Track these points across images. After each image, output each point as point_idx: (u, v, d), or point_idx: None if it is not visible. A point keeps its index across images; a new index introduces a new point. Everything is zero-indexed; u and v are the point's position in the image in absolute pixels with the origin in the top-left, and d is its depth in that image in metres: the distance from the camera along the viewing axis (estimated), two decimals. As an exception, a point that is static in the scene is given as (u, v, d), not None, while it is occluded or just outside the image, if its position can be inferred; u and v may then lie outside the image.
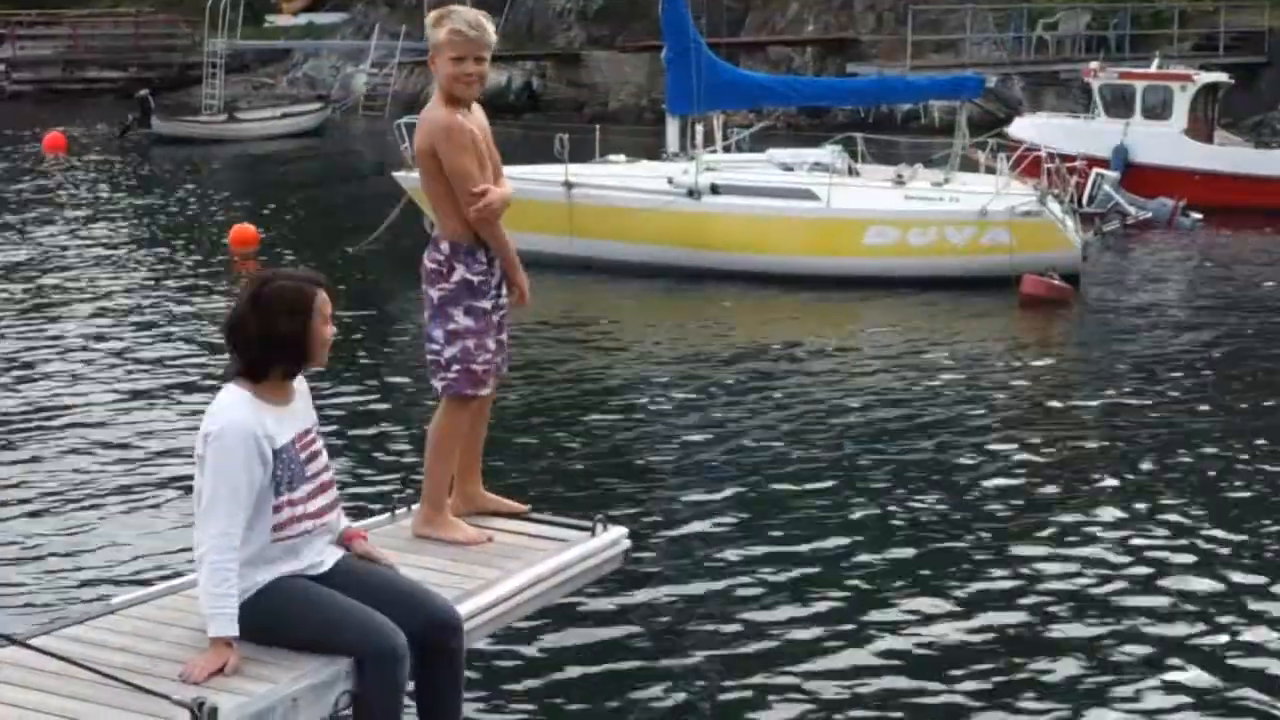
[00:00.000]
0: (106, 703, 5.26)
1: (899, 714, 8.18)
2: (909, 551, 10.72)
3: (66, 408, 14.13)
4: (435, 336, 6.93)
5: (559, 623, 8.97)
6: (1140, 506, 11.75)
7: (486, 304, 6.96)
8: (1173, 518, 11.49)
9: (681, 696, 8.37)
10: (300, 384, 5.94)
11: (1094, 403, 15.27)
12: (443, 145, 6.77)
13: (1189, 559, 10.62)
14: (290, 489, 5.70)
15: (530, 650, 8.76)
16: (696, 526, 11.25)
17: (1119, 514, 11.53)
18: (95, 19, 59.74)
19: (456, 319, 6.88)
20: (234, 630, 5.54)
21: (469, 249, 6.92)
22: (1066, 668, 8.78)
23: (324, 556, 5.84)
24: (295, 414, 5.82)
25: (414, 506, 7.16)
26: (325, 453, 5.96)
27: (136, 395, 14.65)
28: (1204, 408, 15.07)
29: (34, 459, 12.47)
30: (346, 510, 6.31)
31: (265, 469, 5.62)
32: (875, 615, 9.51)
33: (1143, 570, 10.38)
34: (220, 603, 5.53)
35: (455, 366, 6.90)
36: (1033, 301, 20.38)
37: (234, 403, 5.70)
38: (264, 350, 5.70)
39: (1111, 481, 12.44)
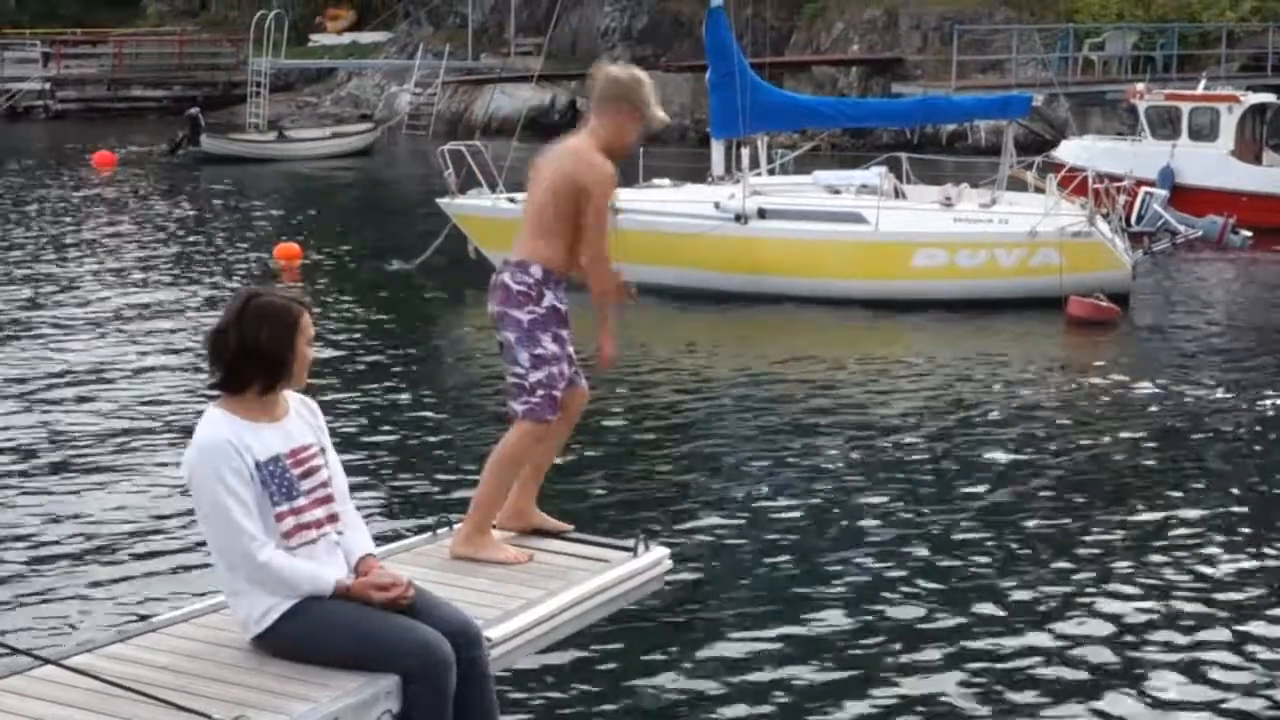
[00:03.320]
0: (145, 721, 5.23)
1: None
2: (959, 573, 10.63)
3: (112, 424, 14.17)
4: (521, 360, 7.13)
5: (600, 642, 8.91)
6: (1186, 531, 11.64)
7: (566, 332, 7.25)
8: (1217, 539, 11.38)
9: (722, 717, 8.31)
10: (303, 404, 5.94)
11: (1141, 427, 15.13)
12: (596, 190, 7.06)
13: (1239, 584, 10.51)
14: (289, 499, 5.70)
15: (570, 670, 8.71)
16: (743, 549, 11.18)
17: (1164, 539, 11.42)
18: (139, 38, 60.26)
19: (544, 344, 7.13)
20: (342, 571, 5.74)
21: (558, 279, 7.19)
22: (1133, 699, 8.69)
23: (334, 568, 5.78)
24: (287, 431, 5.81)
25: (455, 526, 7.12)
26: (330, 470, 5.91)
27: (178, 411, 14.66)
28: (1252, 432, 14.93)
29: (80, 473, 12.51)
30: (383, 527, 6.27)
31: (246, 478, 5.62)
32: (925, 641, 9.42)
33: (1192, 595, 10.27)
34: (312, 576, 5.66)
35: (540, 391, 7.09)
36: (1080, 323, 20.23)
37: (207, 420, 5.78)
38: (242, 361, 5.72)
39: (1156, 506, 12.33)
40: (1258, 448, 14.46)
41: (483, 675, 5.72)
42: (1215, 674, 8.98)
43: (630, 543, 6.93)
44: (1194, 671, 8.98)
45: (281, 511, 5.68)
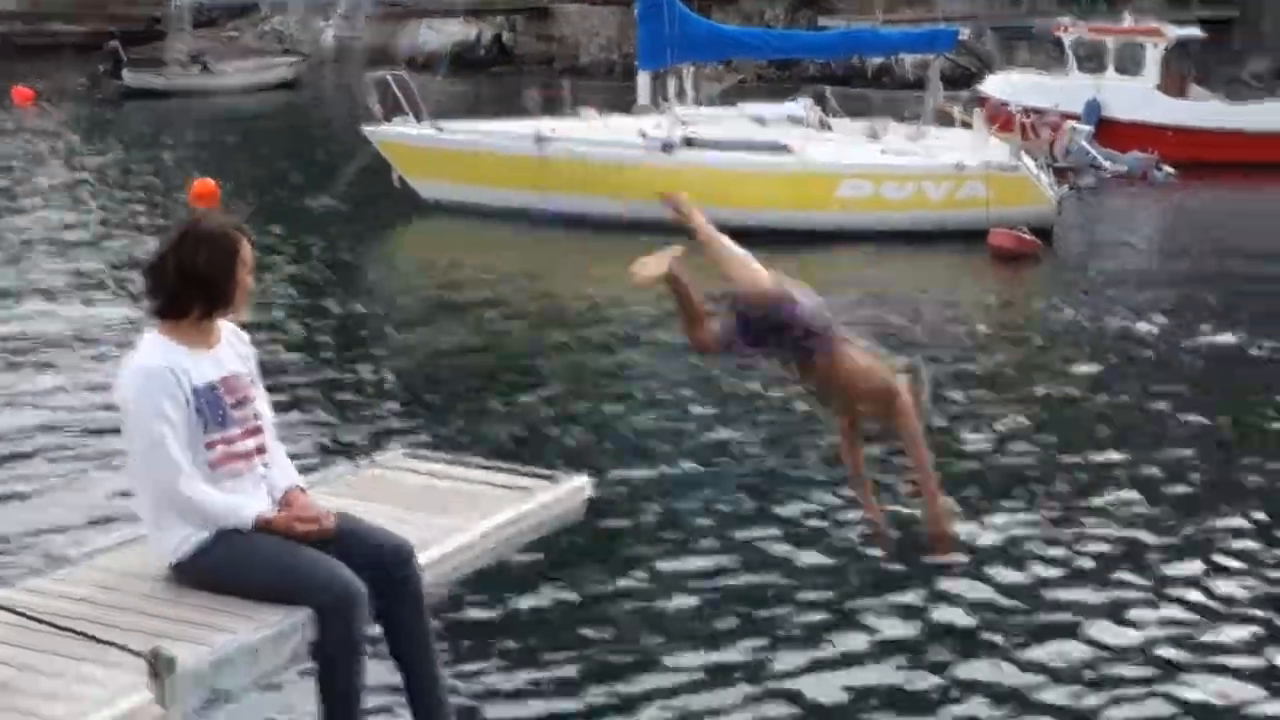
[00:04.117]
0: (64, 654, 5.19)
1: (860, 680, 8.15)
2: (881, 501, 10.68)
3: (21, 353, 14.05)
4: None
5: (522, 570, 8.95)
6: (1098, 467, 11.75)
7: None
8: (1126, 480, 11.51)
9: (643, 643, 8.37)
10: (235, 334, 5.90)
11: (1062, 357, 15.25)
12: None
13: (1154, 521, 10.65)
14: (220, 428, 5.66)
15: (491, 598, 8.74)
16: (667, 477, 11.23)
17: (1077, 475, 11.52)
18: (57, -29, 59.27)
19: None
20: (265, 504, 5.70)
21: None
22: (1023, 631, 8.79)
23: (258, 501, 5.75)
24: (220, 359, 5.77)
25: (377, 456, 7.10)
26: (260, 401, 5.87)
27: (88, 342, 14.53)
28: (1166, 359, 15.09)
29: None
30: (309, 460, 6.25)
31: (182, 404, 5.58)
32: (835, 566, 9.50)
33: (1098, 530, 10.39)
34: (234, 508, 5.63)
35: None
36: (1003, 256, 20.35)
37: (145, 345, 5.74)
38: (182, 286, 5.67)
39: (1069, 443, 12.42)
40: (1173, 373, 14.61)
41: (415, 594, 5.71)
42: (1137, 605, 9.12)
43: (551, 471, 6.93)
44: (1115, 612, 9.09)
45: (213, 440, 5.64)
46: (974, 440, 12.21)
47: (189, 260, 5.64)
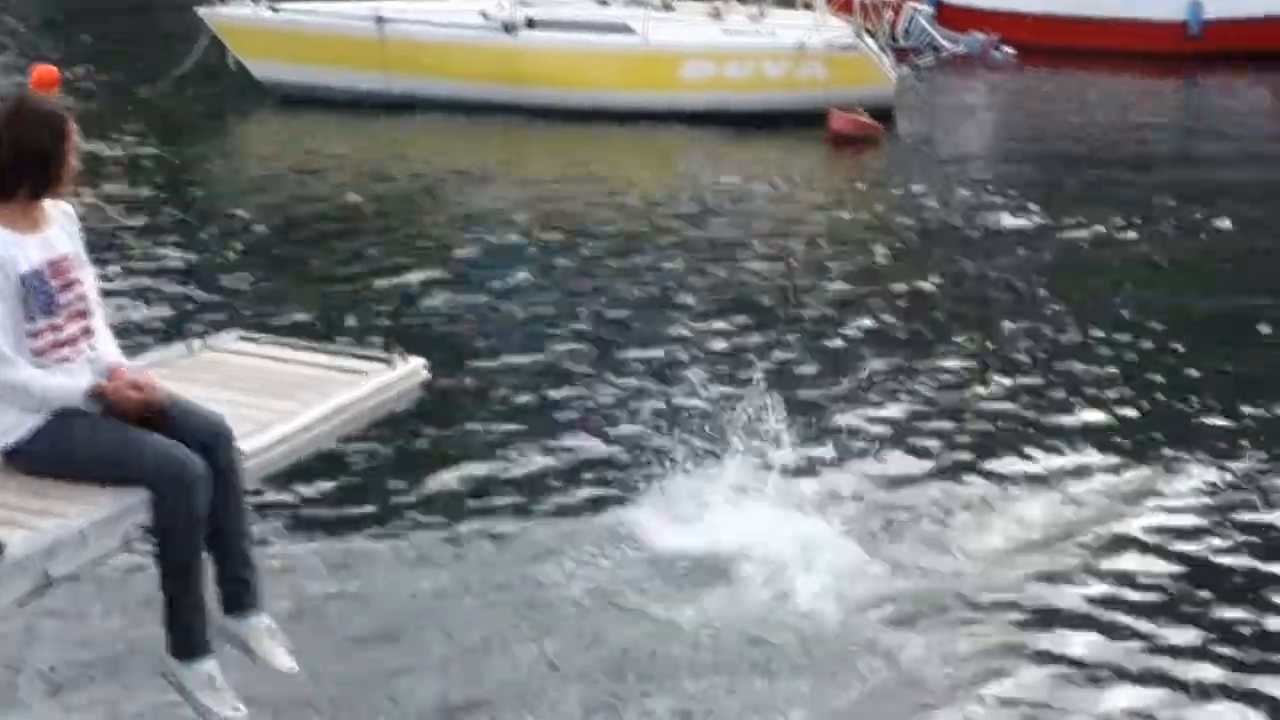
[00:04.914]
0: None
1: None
2: (721, 376, 10.86)
3: None
4: None
5: (359, 453, 9.00)
6: (934, 351, 11.99)
7: None
8: (964, 356, 11.74)
9: (477, 524, 8.52)
10: (62, 214, 5.81)
11: (901, 238, 15.45)
12: None
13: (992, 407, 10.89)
14: (47, 314, 5.59)
15: (329, 480, 8.79)
16: (502, 359, 11.30)
17: (916, 361, 11.75)
18: None
19: None
20: (88, 379, 5.57)
21: None
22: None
23: (84, 379, 5.69)
24: (48, 240, 5.68)
25: (211, 339, 7.04)
26: (88, 283, 5.80)
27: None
28: (1004, 237, 15.35)
29: None
30: (141, 341, 6.20)
31: (8, 292, 5.50)
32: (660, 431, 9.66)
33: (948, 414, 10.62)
34: (63, 389, 5.52)
35: None
36: (842, 138, 20.47)
37: None
38: (13, 163, 5.58)
39: (904, 327, 12.65)
40: (1018, 253, 14.87)
41: (233, 472, 5.70)
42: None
43: (387, 355, 6.92)
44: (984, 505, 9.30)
45: (39, 328, 5.55)
46: (830, 335, 12.30)
47: (22, 140, 5.54)
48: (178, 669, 5.58)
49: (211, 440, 5.66)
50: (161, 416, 5.66)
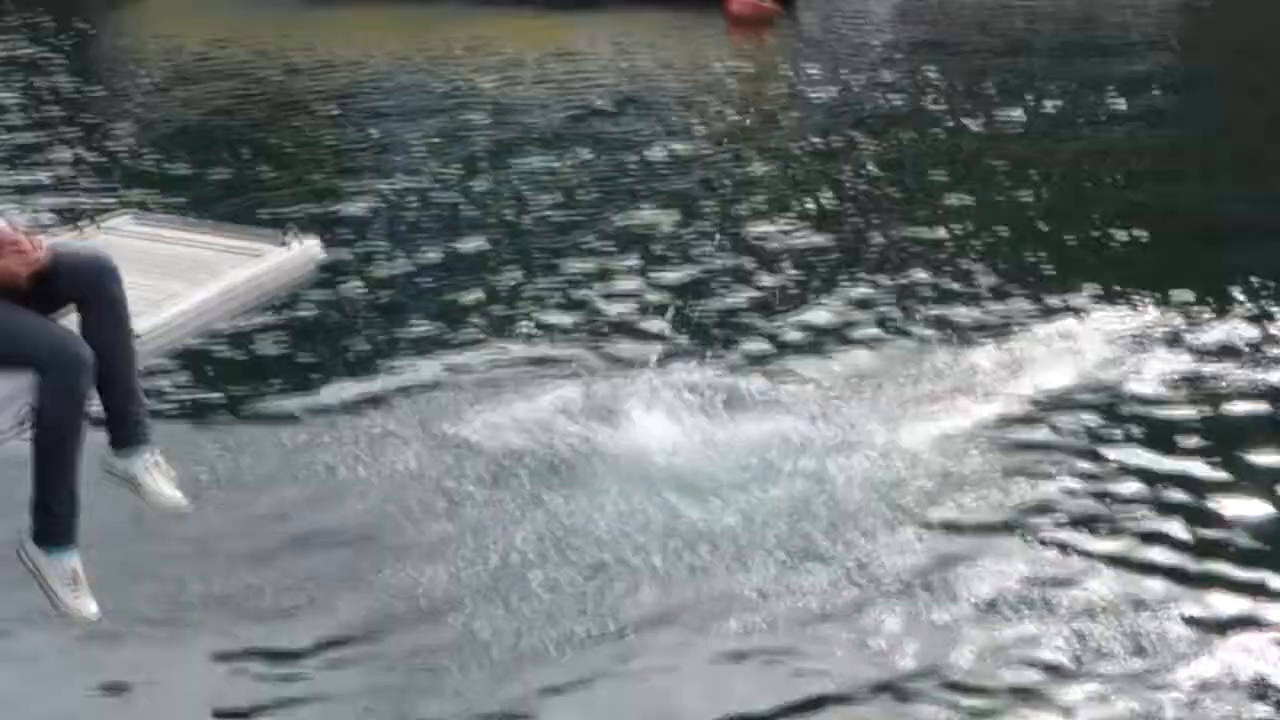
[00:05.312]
0: None
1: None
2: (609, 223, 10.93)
3: None
4: None
5: (255, 331, 9.01)
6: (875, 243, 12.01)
7: None
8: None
9: (370, 403, 8.59)
10: None
11: (817, 122, 15.46)
12: None
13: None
14: None
15: (223, 358, 8.80)
16: (398, 238, 11.30)
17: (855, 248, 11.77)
18: None
19: None
20: None
21: None
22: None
23: None
24: None
25: (103, 220, 6.98)
26: None
27: None
28: (920, 116, 15.41)
29: None
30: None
31: None
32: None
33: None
34: None
35: None
36: (740, 21, 20.38)
37: None
38: None
39: (836, 220, 12.69)
40: (933, 135, 14.95)
41: (120, 304, 5.61)
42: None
43: (282, 234, 6.89)
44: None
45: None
46: (755, 220, 12.28)
47: None
48: (38, 556, 5.53)
49: (95, 275, 5.58)
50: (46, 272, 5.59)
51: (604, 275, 10.62)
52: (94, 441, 5.31)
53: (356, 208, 12.07)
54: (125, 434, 5.67)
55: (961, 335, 9.69)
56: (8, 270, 5.51)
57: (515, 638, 6.41)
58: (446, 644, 6.39)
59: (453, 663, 6.26)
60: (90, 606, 5.50)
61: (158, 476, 5.67)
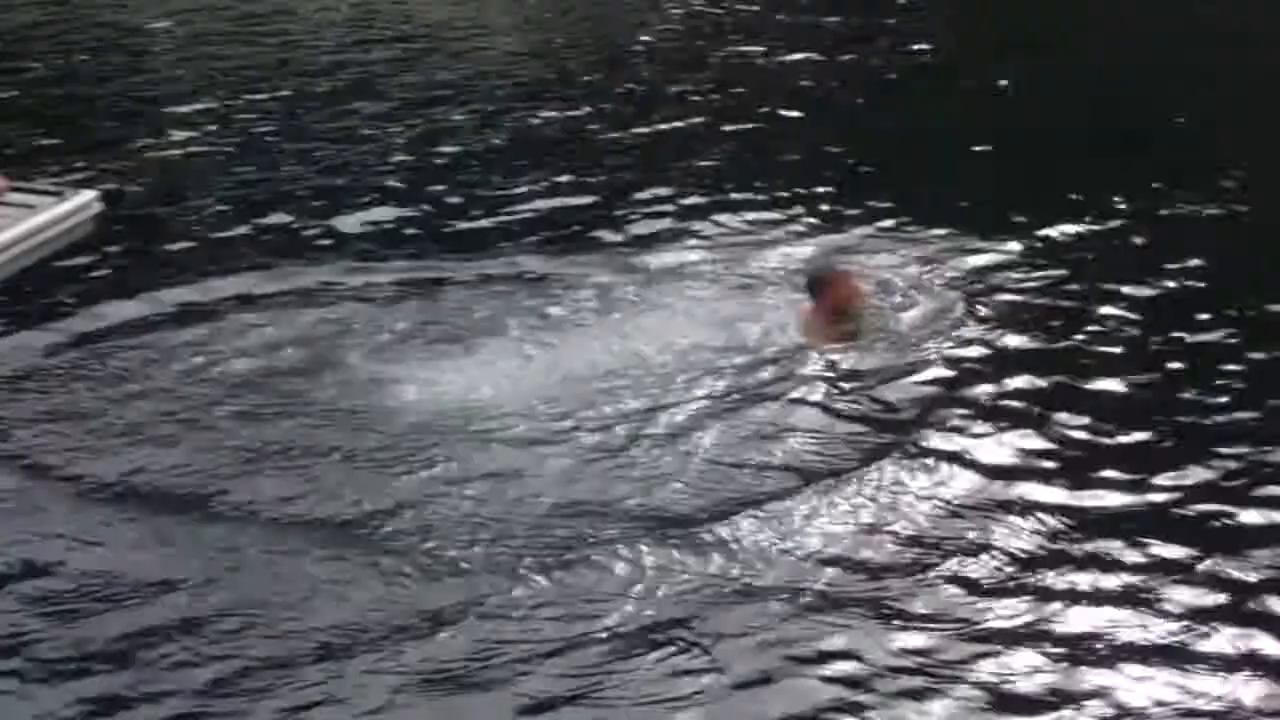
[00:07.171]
0: None
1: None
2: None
3: None
4: None
5: (28, 283, 9.00)
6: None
7: None
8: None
9: (157, 353, 8.52)
10: None
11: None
12: None
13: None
14: None
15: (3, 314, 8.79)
16: (196, 191, 11.22)
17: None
18: None
19: None
20: None
21: None
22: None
23: None
24: None
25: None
26: None
27: None
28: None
29: None
30: None
31: None
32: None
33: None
34: None
35: None
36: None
37: None
38: None
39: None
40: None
41: None
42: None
43: (57, 188, 6.98)
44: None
45: None
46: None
47: None
48: None
49: None
50: None
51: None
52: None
53: (138, 159, 11.89)
54: None
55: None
56: None
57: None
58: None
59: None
60: None
61: None
